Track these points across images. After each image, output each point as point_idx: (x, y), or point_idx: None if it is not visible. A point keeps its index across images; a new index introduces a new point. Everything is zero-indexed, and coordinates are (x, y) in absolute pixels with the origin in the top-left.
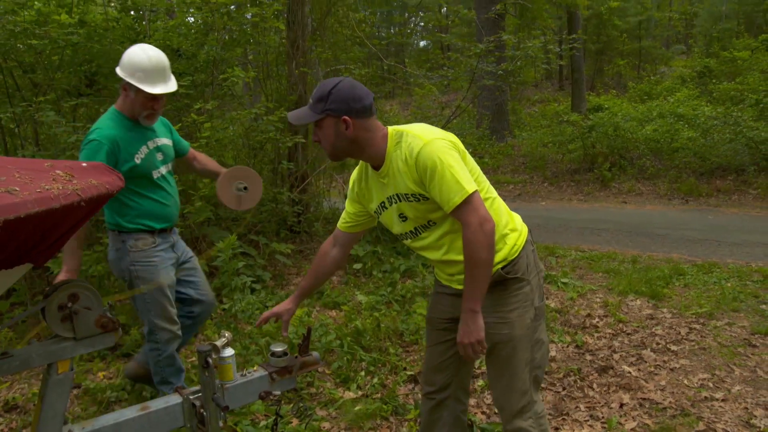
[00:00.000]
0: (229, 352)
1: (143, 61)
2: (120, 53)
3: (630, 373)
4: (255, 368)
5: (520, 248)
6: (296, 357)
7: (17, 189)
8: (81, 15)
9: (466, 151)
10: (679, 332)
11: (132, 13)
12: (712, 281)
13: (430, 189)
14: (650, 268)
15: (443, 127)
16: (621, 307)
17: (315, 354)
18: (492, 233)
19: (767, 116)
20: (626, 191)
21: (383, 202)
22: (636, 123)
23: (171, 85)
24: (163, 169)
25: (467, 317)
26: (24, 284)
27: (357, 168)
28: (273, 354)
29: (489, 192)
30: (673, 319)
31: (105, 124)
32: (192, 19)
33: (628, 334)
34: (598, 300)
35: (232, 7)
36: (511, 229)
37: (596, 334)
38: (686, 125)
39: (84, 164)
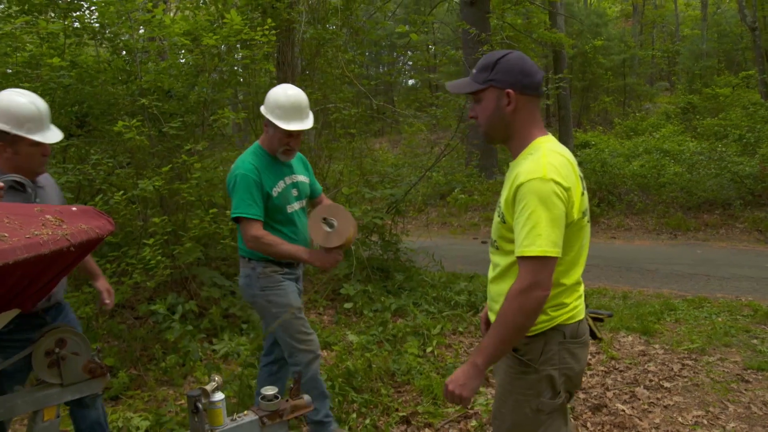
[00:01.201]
0: (219, 396)
1: (281, 99)
2: (111, 95)
3: (624, 411)
4: (245, 412)
5: (540, 331)
6: (287, 400)
7: (6, 235)
8: (73, 57)
9: (585, 211)
10: (672, 368)
11: (123, 53)
12: (702, 316)
13: (515, 223)
14: (641, 304)
15: (433, 165)
16: (613, 343)
17: (306, 397)
18: (538, 302)
19: (750, 151)
20: (615, 226)
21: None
22: (623, 159)
23: (307, 123)
24: (297, 205)
25: (467, 368)
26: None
27: None
28: (264, 397)
29: (569, 275)
30: (666, 355)
31: (246, 158)
32: (183, 60)
33: (621, 371)
34: None
35: (223, 47)
36: (549, 307)
37: (589, 372)
38: (672, 160)
39: (74, 208)
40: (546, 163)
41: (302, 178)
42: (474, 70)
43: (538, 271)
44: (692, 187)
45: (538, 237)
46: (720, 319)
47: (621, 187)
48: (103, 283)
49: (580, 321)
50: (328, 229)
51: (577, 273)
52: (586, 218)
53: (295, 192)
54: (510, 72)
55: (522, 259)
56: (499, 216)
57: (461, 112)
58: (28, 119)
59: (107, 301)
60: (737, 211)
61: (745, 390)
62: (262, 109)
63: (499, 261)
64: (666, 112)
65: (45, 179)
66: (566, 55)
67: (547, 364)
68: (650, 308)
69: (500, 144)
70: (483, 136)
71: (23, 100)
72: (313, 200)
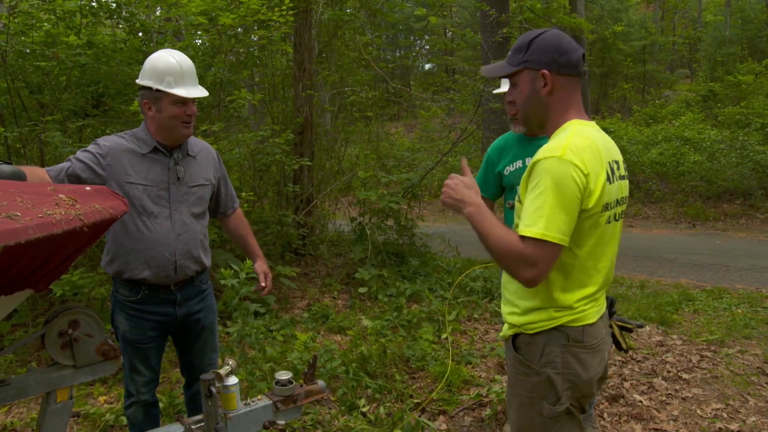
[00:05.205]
0: (233, 380)
1: None
2: (127, 75)
3: (641, 402)
4: (259, 397)
5: (539, 330)
6: (301, 385)
7: (18, 214)
8: (89, 36)
9: (609, 205)
10: (691, 360)
11: (140, 35)
12: (722, 307)
13: (525, 199)
14: (659, 293)
15: (450, 150)
16: (630, 333)
17: (320, 382)
18: (525, 280)
19: None
20: (633, 215)
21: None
22: (641, 146)
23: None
24: None
25: (465, 195)
26: (26, 305)
27: None
28: (278, 382)
29: (582, 272)
30: (684, 346)
31: (503, 136)
32: (199, 41)
33: (639, 361)
34: None
35: (239, 29)
36: (552, 307)
37: None
38: (692, 149)
39: (88, 188)
40: (569, 143)
41: None
42: (510, 52)
43: (538, 252)
44: (712, 176)
45: (540, 218)
46: (740, 311)
47: (639, 175)
48: (261, 265)
49: (588, 325)
50: None
51: (593, 274)
52: (609, 214)
53: None
54: (545, 51)
55: (523, 239)
56: (518, 197)
57: (479, 96)
58: (168, 72)
59: (263, 284)
60: (758, 201)
61: (766, 384)
62: None
63: None
64: (686, 99)
65: (200, 146)
66: (585, 41)
67: (548, 367)
68: (668, 298)
69: (538, 129)
70: (521, 123)
71: (165, 55)
72: None
